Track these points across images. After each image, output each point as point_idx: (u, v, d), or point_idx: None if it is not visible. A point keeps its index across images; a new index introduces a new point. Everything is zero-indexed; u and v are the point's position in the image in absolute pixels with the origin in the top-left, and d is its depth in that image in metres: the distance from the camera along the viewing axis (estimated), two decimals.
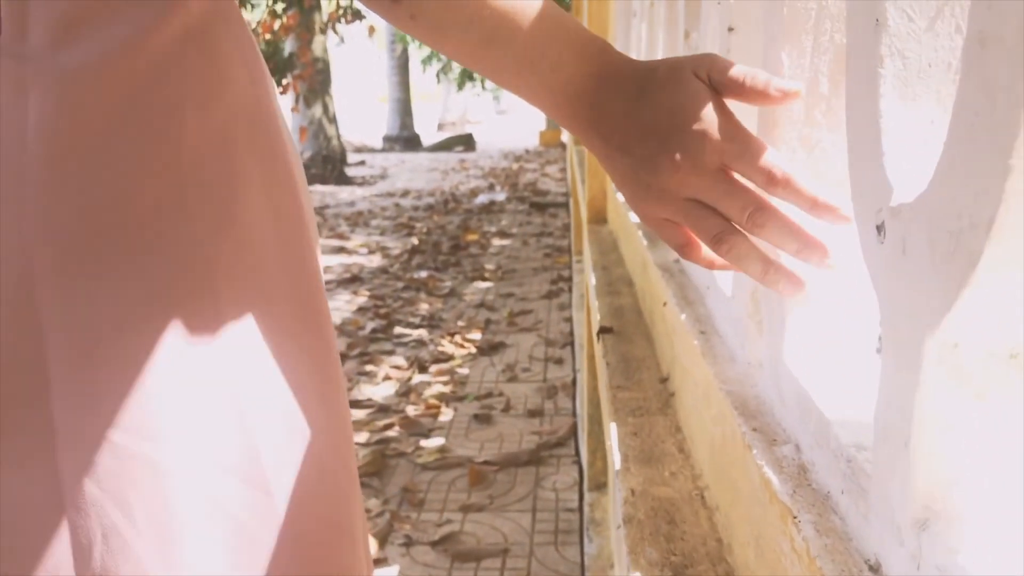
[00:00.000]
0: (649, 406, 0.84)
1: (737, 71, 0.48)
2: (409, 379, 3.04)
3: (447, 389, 2.93)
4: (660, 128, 0.48)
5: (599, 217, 1.96)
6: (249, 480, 0.46)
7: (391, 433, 2.58)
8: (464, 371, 3.12)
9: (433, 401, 2.79)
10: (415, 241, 5.71)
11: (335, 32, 8.24)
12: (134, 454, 0.42)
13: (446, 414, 2.72)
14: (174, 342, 0.44)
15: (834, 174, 0.54)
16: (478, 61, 0.52)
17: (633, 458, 0.73)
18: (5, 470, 0.41)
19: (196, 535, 0.44)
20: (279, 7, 7.88)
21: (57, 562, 0.42)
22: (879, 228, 0.36)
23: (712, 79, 0.49)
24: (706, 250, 0.50)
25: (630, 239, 1.43)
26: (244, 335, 0.47)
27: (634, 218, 1.35)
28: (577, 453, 2.41)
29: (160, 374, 0.44)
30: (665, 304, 0.91)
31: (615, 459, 0.74)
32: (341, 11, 8.08)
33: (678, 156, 0.47)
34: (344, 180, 9.36)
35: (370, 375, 3.09)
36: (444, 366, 3.17)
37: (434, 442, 2.51)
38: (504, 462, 2.35)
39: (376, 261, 5.11)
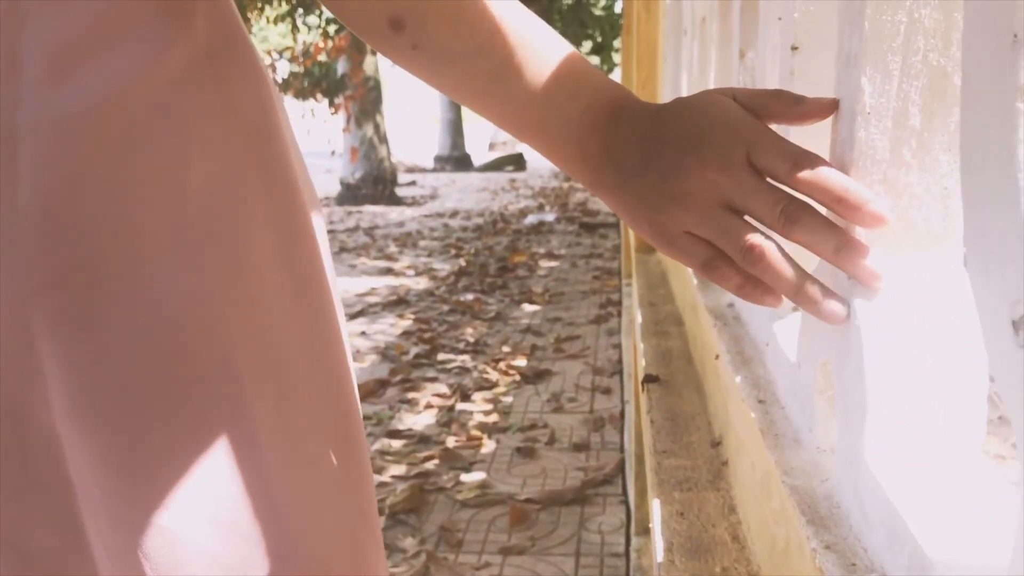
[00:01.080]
0: (699, 477, 0.73)
1: (760, 91, 0.47)
2: (451, 407, 2.95)
3: (490, 419, 2.83)
4: (683, 136, 0.46)
5: (648, 246, 1.85)
6: (269, 549, 0.44)
7: (430, 466, 2.49)
8: (508, 400, 3.02)
9: (475, 432, 2.70)
10: (463, 263, 5.65)
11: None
12: (149, 524, 0.41)
13: (488, 446, 2.62)
14: (182, 402, 0.42)
15: (927, 227, 0.44)
16: (482, 96, 0.49)
17: (679, 547, 0.62)
18: (32, 527, 0.41)
19: None
20: (331, 28, 7.94)
21: None
22: (1016, 324, 0.26)
23: (737, 98, 0.47)
24: (733, 269, 0.45)
25: (680, 273, 1.32)
26: (257, 394, 0.44)
27: None
28: (624, 492, 2.29)
29: (168, 434, 0.42)
30: (717, 357, 0.80)
31: (657, 546, 0.63)
32: None
33: (707, 155, 0.45)
34: (395, 200, 9.37)
35: (411, 403, 3.01)
36: (488, 394, 3.08)
37: (475, 476, 2.41)
38: (547, 501, 2.24)
39: (423, 283, 5.06)
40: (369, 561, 0.50)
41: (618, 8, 12.86)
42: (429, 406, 2.97)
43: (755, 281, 0.45)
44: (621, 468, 2.41)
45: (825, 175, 0.42)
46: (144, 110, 0.41)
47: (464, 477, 2.41)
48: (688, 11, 1.50)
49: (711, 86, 0.96)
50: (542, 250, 6.10)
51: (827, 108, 0.46)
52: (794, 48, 0.59)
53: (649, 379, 0.99)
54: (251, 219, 0.45)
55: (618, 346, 3.59)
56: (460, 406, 2.97)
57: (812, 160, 0.42)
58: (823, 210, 0.44)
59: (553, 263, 5.62)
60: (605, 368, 3.32)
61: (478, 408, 2.94)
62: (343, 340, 0.51)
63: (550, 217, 7.70)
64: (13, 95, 0.39)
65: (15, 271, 0.39)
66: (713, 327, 0.83)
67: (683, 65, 1.58)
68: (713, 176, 0.45)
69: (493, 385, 3.17)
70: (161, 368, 0.42)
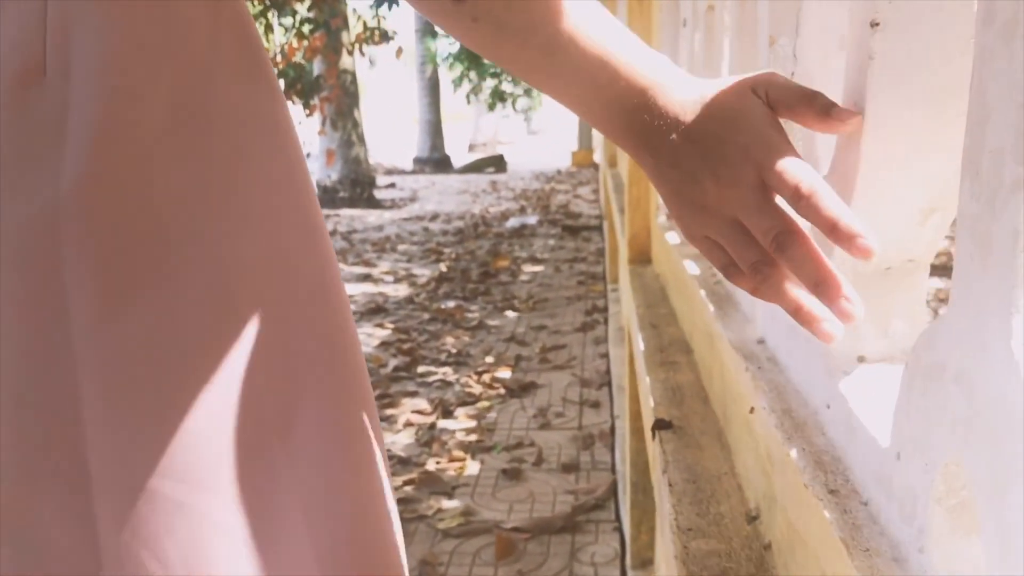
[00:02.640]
0: (738, 568, 0.59)
1: (797, 89, 0.47)
2: (432, 425, 2.79)
3: (473, 438, 2.68)
4: (707, 139, 0.47)
5: (642, 257, 1.71)
6: (283, 525, 0.45)
7: (409, 490, 2.33)
8: (492, 415, 2.87)
9: (458, 453, 2.55)
10: (443, 268, 5.49)
11: (362, 54, 8.09)
12: (168, 499, 0.41)
13: (471, 468, 2.47)
14: (206, 380, 0.43)
15: None
16: (533, 71, 0.51)
17: None
18: (41, 520, 0.41)
19: None
20: (306, 28, 7.75)
21: None
22: None
23: (770, 96, 0.47)
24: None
25: (684, 291, 1.18)
26: (270, 365, 0.46)
27: (691, 268, 1.10)
28: (618, 519, 2.14)
29: (194, 416, 0.43)
30: (753, 411, 0.65)
31: None
32: (368, 32, 7.93)
33: (719, 168, 0.47)
34: (373, 203, 9.19)
35: (390, 420, 2.85)
36: (471, 410, 2.92)
37: (457, 503, 2.26)
38: (536, 529, 2.09)
39: (402, 290, 4.89)
40: (382, 531, 0.51)
41: None
42: (409, 424, 2.81)
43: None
44: (613, 491, 2.27)
45: (822, 204, 0.43)
46: (186, 83, 0.44)
47: (446, 503, 2.25)
48: (688, 0, 1.35)
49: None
50: (525, 254, 5.96)
51: (854, 124, 0.46)
52: (874, 24, 0.45)
53: (661, 425, 0.84)
54: (263, 179, 0.47)
55: (605, 356, 3.44)
56: (441, 423, 2.82)
57: (814, 187, 0.43)
58: None
59: (536, 268, 5.47)
60: (593, 380, 3.18)
61: (460, 425, 2.79)
62: (347, 305, 0.54)
63: (532, 220, 7.55)
64: (62, 91, 0.42)
65: (55, 256, 0.41)
66: (745, 371, 0.68)
67: (682, 60, 1.44)
68: (723, 191, 0.46)
69: (476, 399, 3.02)
70: (188, 349, 0.43)
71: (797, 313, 0.45)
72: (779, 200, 0.46)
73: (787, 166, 0.44)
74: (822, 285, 0.43)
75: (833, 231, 0.42)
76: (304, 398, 0.47)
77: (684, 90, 0.49)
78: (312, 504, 0.46)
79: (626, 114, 0.50)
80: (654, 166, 0.50)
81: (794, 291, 0.45)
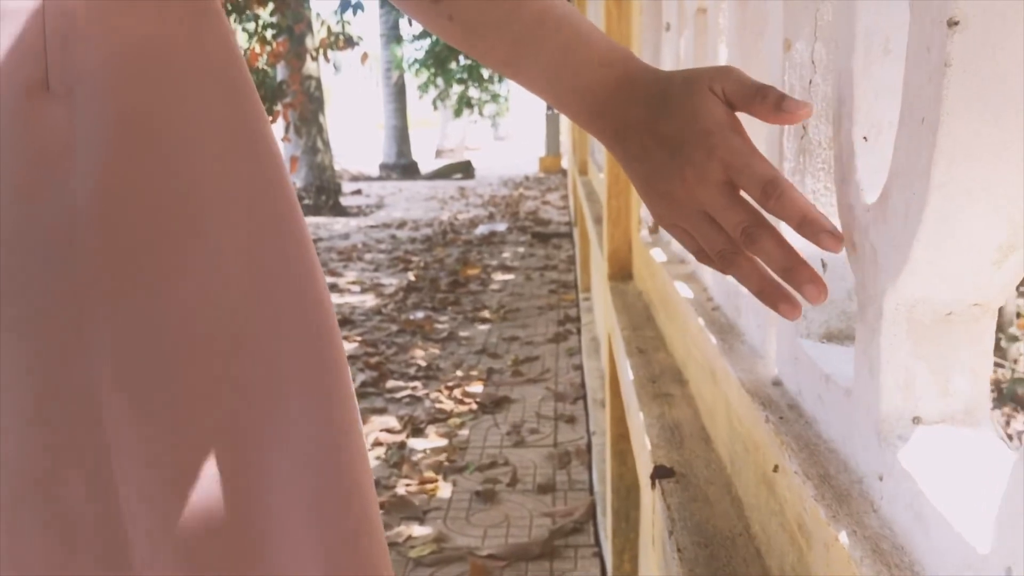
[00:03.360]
0: None
1: (751, 85, 0.49)
2: (402, 445, 2.69)
3: (444, 457, 2.58)
4: (672, 138, 0.50)
5: (623, 273, 1.63)
6: (284, 526, 0.48)
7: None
8: (464, 433, 2.77)
9: (429, 475, 2.44)
10: (411, 277, 5.37)
11: (327, 59, 7.95)
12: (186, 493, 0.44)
13: (443, 490, 2.37)
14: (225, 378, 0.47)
15: None
16: (508, 64, 0.54)
17: None
18: (70, 511, 0.43)
19: None
20: (268, 33, 7.60)
21: None
22: None
23: (727, 92, 0.49)
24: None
25: (675, 315, 1.09)
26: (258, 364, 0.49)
27: (683, 291, 1.01)
28: (597, 543, 2.05)
29: (201, 417, 0.46)
30: (777, 469, 0.57)
31: None
32: (333, 37, 7.79)
33: (686, 168, 0.49)
34: (339, 211, 9.04)
35: None
36: (442, 428, 2.82)
37: (429, 529, 2.15)
38: (512, 556, 1.99)
39: (369, 301, 4.77)
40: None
41: None
42: (377, 443, 2.71)
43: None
44: (592, 513, 2.18)
45: (790, 200, 0.45)
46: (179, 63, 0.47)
47: (417, 530, 2.15)
48: (673, 2, 1.27)
49: None
50: (495, 262, 5.86)
51: (804, 113, 0.47)
52: (953, 24, 0.36)
53: (662, 473, 0.75)
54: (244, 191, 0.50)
55: (580, 368, 3.36)
56: (411, 442, 2.71)
57: (780, 185, 0.46)
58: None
59: (507, 276, 5.38)
60: (567, 393, 3.09)
61: (431, 444, 2.69)
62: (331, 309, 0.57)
63: (501, 227, 7.46)
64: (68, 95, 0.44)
65: (72, 251, 0.43)
66: (765, 422, 0.60)
67: (666, 66, 1.36)
68: (690, 188, 0.49)
69: (448, 416, 2.92)
70: (208, 342, 0.46)
71: (761, 294, 0.49)
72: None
73: (753, 166, 0.47)
74: (791, 271, 0.46)
75: (802, 225, 0.45)
76: (292, 398, 0.50)
77: (648, 84, 0.52)
78: (307, 502, 0.49)
79: (594, 106, 0.53)
80: (624, 157, 0.53)
81: (758, 273, 0.49)
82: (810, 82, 0.65)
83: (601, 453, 2.42)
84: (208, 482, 0.45)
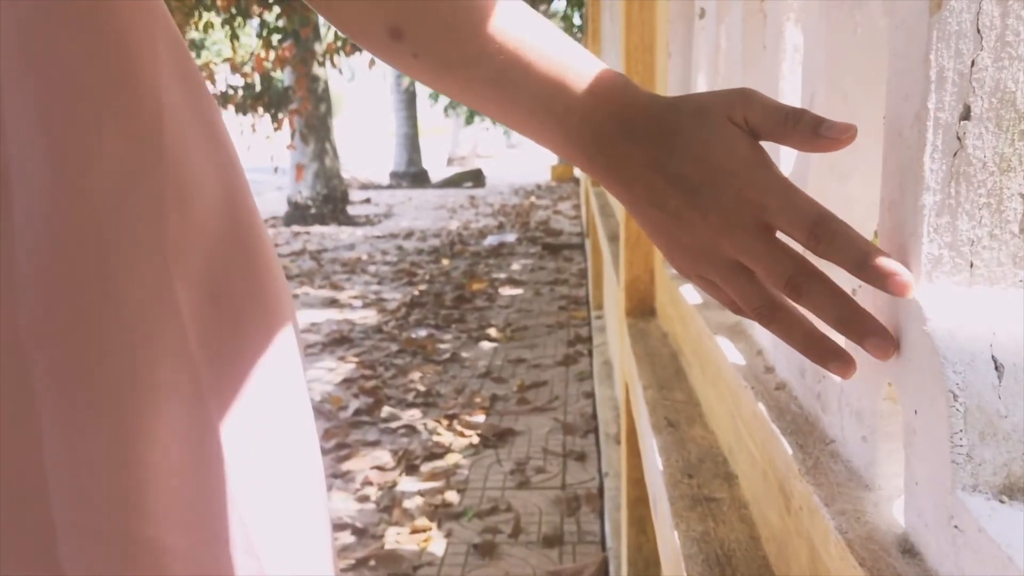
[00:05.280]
0: None
1: (778, 109, 0.43)
2: (393, 485, 2.43)
3: (440, 500, 2.32)
4: (688, 180, 0.43)
5: (643, 308, 1.37)
6: (246, 551, 0.45)
7: (366, 573, 1.97)
8: (463, 471, 2.52)
9: (422, 522, 2.19)
10: (416, 292, 5.13)
11: (333, 64, 7.73)
12: (135, 540, 0.41)
13: (437, 542, 2.11)
14: (159, 409, 0.43)
15: None
16: (487, 102, 0.48)
17: None
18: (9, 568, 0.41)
19: None
20: (274, 38, 7.39)
21: None
22: None
23: (750, 121, 0.43)
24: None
25: (716, 379, 0.84)
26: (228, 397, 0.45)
27: (728, 351, 0.76)
28: None
29: (151, 449, 0.42)
30: None
31: None
32: (340, 42, 7.57)
33: (710, 214, 0.43)
34: (346, 220, 8.81)
35: (347, 478, 2.49)
36: (439, 465, 2.57)
37: None
38: None
39: (371, 317, 4.53)
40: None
41: (577, 20, 12.50)
42: (368, 482, 2.45)
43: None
44: (604, 572, 1.93)
45: (846, 241, 0.40)
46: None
47: None
48: None
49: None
50: (503, 275, 5.62)
51: (848, 138, 0.42)
52: None
53: None
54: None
55: (591, 395, 3.11)
56: (404, 482, 2.46)
57: (830, 223, 0.40)
58: None
59: (515, 291, 5.13)
60: (578, 425, 2.83)
61: (426, 486, 2.43)
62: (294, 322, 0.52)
63: (511, 238, 7.22)
64: None
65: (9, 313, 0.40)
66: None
67: (700, 59, 1.11)
68: (717, 237, 0.43)
69: (445, 451, 2.67)
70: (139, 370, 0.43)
71: (809, 351, 0.43)
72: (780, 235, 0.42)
73: (794, 203, 0.41)
74: (850, 322, 0.41)
75: (862, 269, 0.39)
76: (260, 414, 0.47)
77: (648, 118, 0.46)
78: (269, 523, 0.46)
79: (589, 144, 0.47)
80: (630, 202, 0.47)
81: (803, 328, 0.43)
82: (972, 63, 0.40)
83: (615, 499, 2.16)
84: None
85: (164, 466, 0.42)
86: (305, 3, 0.49)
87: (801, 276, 0.41)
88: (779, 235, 0.43)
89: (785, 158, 0.68)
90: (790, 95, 0.69)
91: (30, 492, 0.40)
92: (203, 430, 0.44)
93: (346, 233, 8.01)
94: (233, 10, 7.09)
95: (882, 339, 0.40)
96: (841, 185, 0.60)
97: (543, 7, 12.41)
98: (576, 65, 0.47)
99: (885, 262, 0.39)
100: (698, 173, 0.43)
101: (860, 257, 0.39)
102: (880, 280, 0.38)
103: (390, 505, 2.30)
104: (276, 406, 0.48)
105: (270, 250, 0.50)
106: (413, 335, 4.08)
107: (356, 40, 0.49)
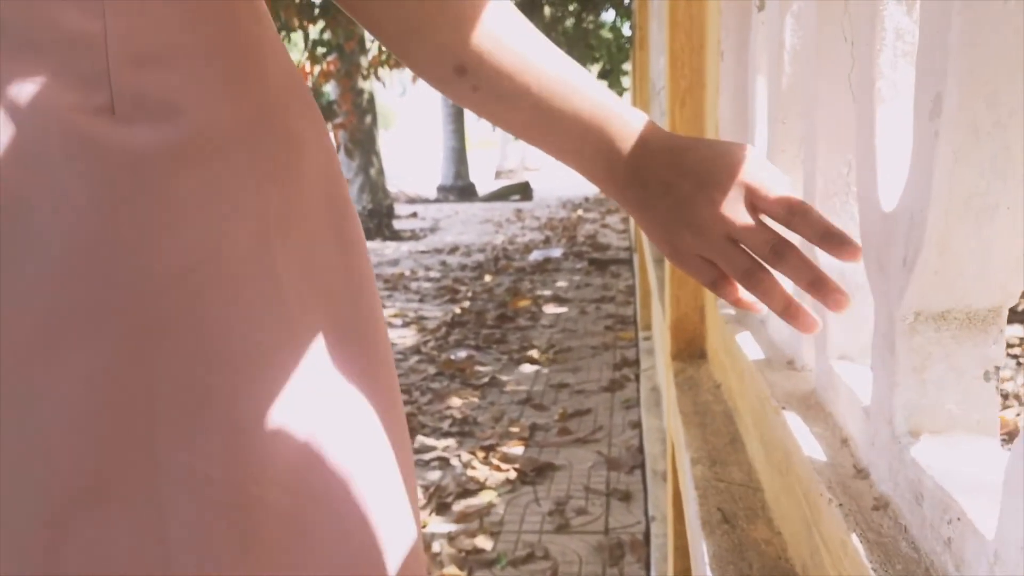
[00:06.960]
0: None
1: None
2: (424, 526, 2.27)
3: (472, 545, 2.15)
4: (699, 171, 0.53)
5: (692, 350, 1.18)
6: (336, 510, 0.48)
7: None
8: (499, 511, 2.34)
9: (451, 570, 2.02)
10: (457, 310, 4.98)
11: (377, 77, 7.65)
12: (242, 495, 0.44)
13: None
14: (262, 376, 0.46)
15: None
16: (528, 129, 0.57)
17: None
18: (114, 532, 0.42)
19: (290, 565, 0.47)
20: (320, 51, 7.34)
21: None
22: None
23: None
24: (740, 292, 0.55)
25: (784, 467, 0.65)
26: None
27: (806, 441, 0.57)
28: None
29: (258, 412, 0.45)
30: None
31: None
32: (384, 56, 7.49)
33: (714, 192, 0.53)
34: (392, 235, 8.72)
35: None
36: (472, 502, 2.39)
37: None
38: None
39: (410, 337, 4.38)
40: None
41: (627, 31, 12.30)
42: None
43: (749, 302, 0.56)
44: None
45: (813, 219, 0.51)
46: (212, 154, 0.45)
47: None
48: None
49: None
50: (547, 292, 5.43)
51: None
52: None
53: None
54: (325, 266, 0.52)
55: (637, 425, 2.90)
56: (434, 522, 2.29)
57: (804, 204, 0.51)
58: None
59: (559, 309, 4.94)
60: (623, 460, 2.63)
61: (458, 527, 2.26)
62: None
63: (557, 252, 7.03)
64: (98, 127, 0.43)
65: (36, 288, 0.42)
66: None
67: (756, 55, 0.92)
68: (719, 213, 0.52)
69: (480, 487, 2.49)
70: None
71: (786, 310, 0.53)
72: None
73: (776, 193, 0.52)
74: (817, 282, 0.51)
75: (824, 239, 0.50)
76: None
77: (667, 136, 0.56)
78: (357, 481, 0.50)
79: (615, 158, 0.56)
80: (642, 201, 0.56)
81: (781, 290, 0.52)
82: None
83: (662, 548, 1.96)
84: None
85: (274, 434, 0.46)
86: (381, 45, 0.47)
87: (782, 245, 0.51)
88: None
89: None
90: (892, 101, 0.50)
91: (136, 434, 0.42)
92: (310, 398, 0.48)
93: (391, 248, 7.91)
94: (278, 24, 7.06)
95: (842, 295, 0.50)
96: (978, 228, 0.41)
97: (592, 17, 12.24)
98: (602, 99, 0.56)
99: (842, 235, 0.50)
100: (709, 166, 0.53)
101: (823, 230, 0.50)
102: (838, 247, 0.50)
103: None
104: (371, 379, 0.53)
105: (357, 229, 0.56)
106: (452, 356, 3.92)
107: (422, 76, 0.55)
